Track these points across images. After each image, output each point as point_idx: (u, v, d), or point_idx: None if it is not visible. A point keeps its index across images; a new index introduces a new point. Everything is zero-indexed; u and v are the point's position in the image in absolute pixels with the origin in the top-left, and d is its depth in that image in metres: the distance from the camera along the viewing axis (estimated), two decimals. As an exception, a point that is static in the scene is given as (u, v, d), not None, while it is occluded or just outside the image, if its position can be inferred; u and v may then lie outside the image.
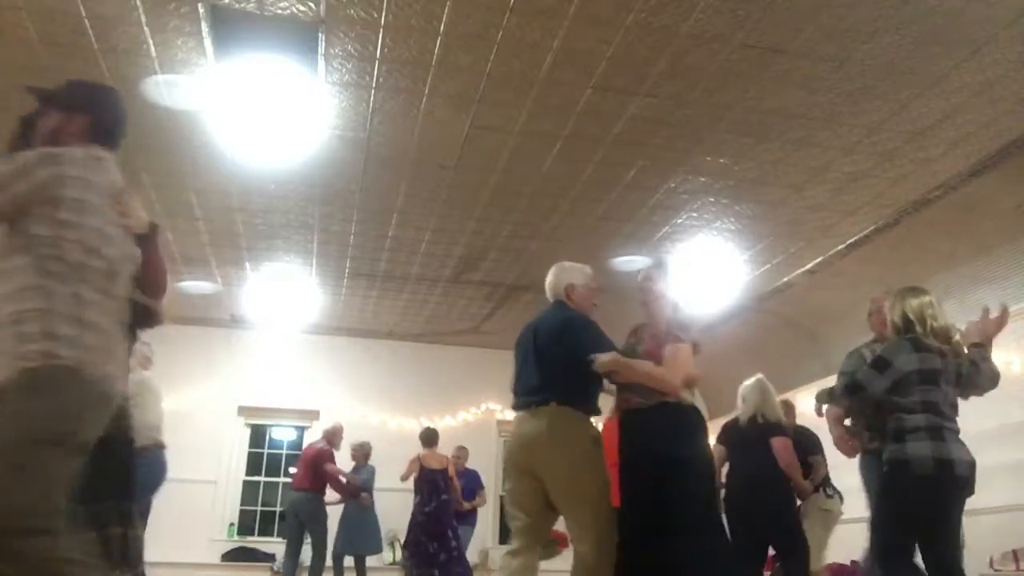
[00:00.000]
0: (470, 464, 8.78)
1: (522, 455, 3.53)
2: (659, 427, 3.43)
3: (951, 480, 3.20)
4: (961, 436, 3.32)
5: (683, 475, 3.32)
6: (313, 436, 9.80)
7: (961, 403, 3.42)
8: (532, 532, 3.53)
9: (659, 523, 3.26)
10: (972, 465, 3.24)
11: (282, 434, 10.16)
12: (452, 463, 8.03)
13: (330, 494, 7.98)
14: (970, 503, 3.34)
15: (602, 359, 3.42)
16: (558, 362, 3.52)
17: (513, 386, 3.75)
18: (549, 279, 3.87)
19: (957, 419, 3.34)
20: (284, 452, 10.06)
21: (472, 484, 8.54)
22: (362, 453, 8.31)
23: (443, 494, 7.65)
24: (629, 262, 7.29)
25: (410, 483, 7.88)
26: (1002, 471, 4.05)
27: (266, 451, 9.91)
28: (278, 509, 9.58)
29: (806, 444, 5.43)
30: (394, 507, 8.41)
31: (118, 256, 2.17)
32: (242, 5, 4.12)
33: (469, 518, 8.42)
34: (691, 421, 3.50)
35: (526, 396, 3.61)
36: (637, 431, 3.51)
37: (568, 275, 3.82)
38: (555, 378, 3.52)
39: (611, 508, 3.43)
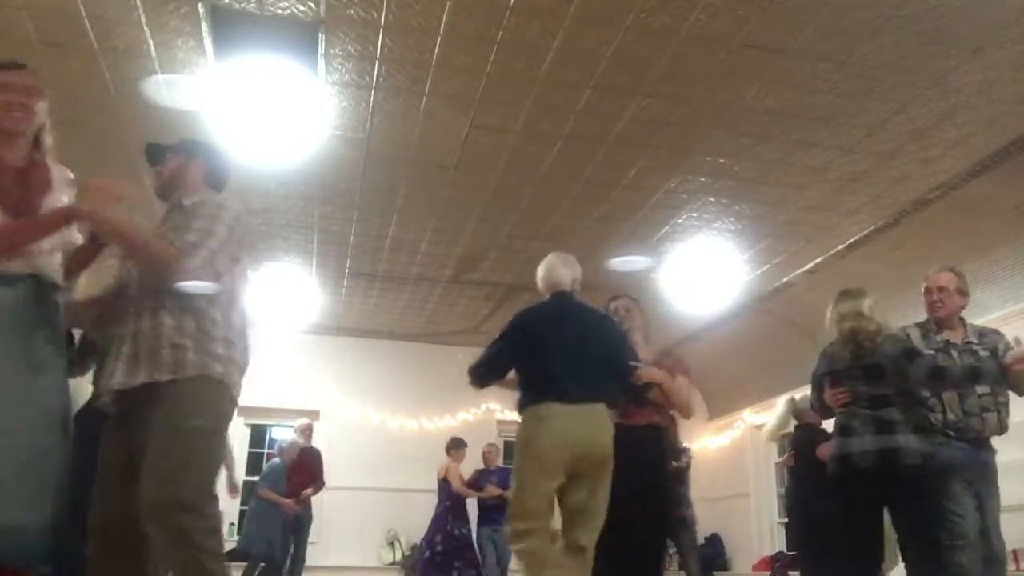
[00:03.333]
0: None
1: (578, 452, 3.31)
2: (650, 449, 3.53)
3: None
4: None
5: (654, 497, 3.42)
6: (313, 436, 9.83)
7: None
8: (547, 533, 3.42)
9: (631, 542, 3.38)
10: None
11: (282, 434, 10.15)
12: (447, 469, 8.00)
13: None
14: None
15: (648, 371, 3.45)
16: (610, 362, 3.46)
17: (559, 376, 3.40)
18: (561, 270, 3.72)
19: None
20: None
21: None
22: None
23: (445, 501, 7.70)
24: (629, 262, 7.30)
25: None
26: (1002, 471, 4.08)
27: (266, 451, 9.90)
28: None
29: None
30: (392, 507, 8.42)
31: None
32: (242, 5, 4.12)
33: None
34: (664, 448, 3.58)
35: (584, 391, 3.37)
36: (633, 448, 3.52)
37: (576, 269, 3.75)
38: (609, 377, 3.46)
39: None
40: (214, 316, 2.45)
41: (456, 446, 8.12)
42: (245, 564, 7.23)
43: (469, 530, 7.77)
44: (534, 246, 7.10)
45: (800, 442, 5.67)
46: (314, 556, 8.84)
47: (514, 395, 3.61)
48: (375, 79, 4.69)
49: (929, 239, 6.35)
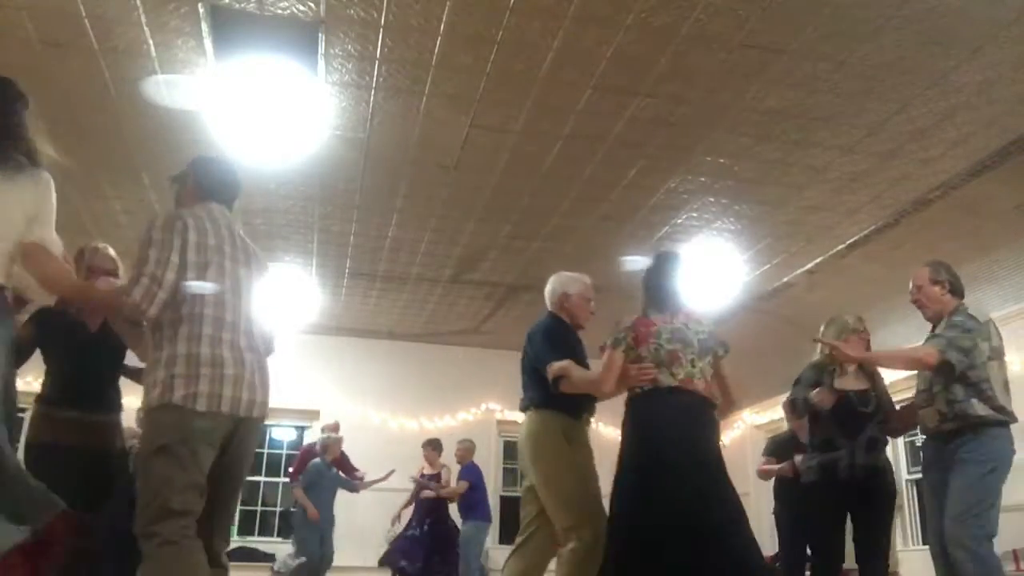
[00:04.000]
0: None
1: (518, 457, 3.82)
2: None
3: None
4: None
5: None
6: (313, 436, 9.82)
7: None
8: (536, 528, 3.69)
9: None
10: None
11: (282, 434, 10.17)
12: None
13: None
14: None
15: (551, 367, 3.53)
16: (529, 369, 3.73)
17: None
18: (546, 288, 4.03)
19: None
20: (284, 452, 10.06)
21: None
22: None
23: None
24: (629, 262, 7.29)
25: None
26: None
27: (266, 451, 9.91)
28: (278, 509, 9.58)
29: None
30: (392, 507, 8.39)
31: None
32: (242, 5, 4.12)
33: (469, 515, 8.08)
34: (630, 418, 3.46)
35: (522, 402, 3.84)
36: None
37: (563, 285, 3.96)
38: (528, 384, 3.74)
39: (593, 508, 3.52)
40: (157, 340, 2.51)
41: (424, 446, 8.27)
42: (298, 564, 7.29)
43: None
44: (534, 246, 7.11)
45: (779, 447, 5.78)
46: (314, 556, 8.85)
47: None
48: (375, 79, 4.69)
49: (929, 239, 6.34)
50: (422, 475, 8.10)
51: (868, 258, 6.76)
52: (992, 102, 4.73)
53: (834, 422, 3.98)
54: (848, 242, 6.64)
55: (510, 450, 10.63)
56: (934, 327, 3.79)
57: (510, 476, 10.58)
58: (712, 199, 6.11)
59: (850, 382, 4.04)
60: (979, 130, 5.02)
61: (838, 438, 3.96)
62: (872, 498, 3.92)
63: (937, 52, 4.31)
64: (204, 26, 4.25)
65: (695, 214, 6.37)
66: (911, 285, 3.86)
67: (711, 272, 7.23)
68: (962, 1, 3.93)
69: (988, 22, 4.07)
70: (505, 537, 10.08)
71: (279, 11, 4.15)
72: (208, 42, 4.37)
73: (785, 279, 7.49)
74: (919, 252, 6.48)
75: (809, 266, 7.17)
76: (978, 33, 4.15)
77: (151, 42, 4.38)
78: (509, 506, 10.25)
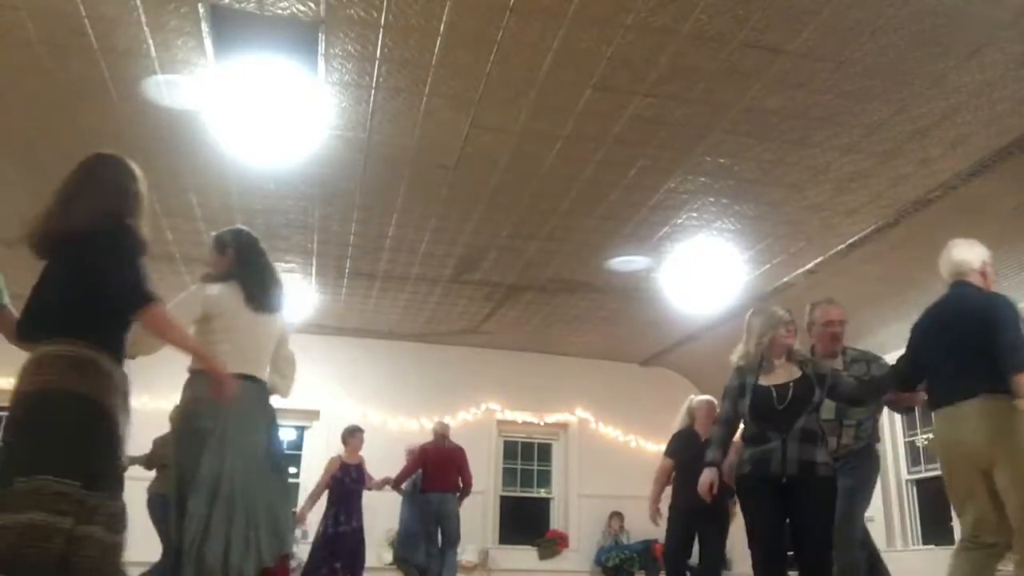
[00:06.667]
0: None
1: (963, 453, 3.39)
2: None
3: None
4: None
5: None
6: (313, 436, 9.83)
7: None
8: (994, 529, 3.34)
9: None
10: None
11: (282, 434, 10.17)
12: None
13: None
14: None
15: None
16: (984, 349, 3.40)
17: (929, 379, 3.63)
18: (953, 257, 3.82)
19: None
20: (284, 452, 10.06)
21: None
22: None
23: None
24: (629, 262, 7.30)
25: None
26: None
27: (266, 451, 9.92)
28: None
29: None
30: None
31: None
32: (242, 5, 4.12)
33: None
34: None
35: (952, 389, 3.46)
36: None
37: (980, 252, 3.73)
38: (984, 367, 3.38)
39: None
40: None
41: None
42: None
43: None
44: (534, 246, 7.11)
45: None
46: (314, 556, 8.84)
47: None
48: (375, 79, 4.69)
49: (929, 239, 6.33)
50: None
51: (868, 258, 6.76)
52: (992, 102, 4.73)
53: (756, 419, 3.85)
54: (848, 242, 6.65)
55: (510, 450, 10.65)
56: (835, 357, 4.27)
57: (510, 476, 10.59)
58: (712, 199, 6.11)
59: (779, 376, 3.85)
60: (979, 130, 5.02)
61: (767, 432, 3.81)
62: (806, 492, 3.74)
63: (937, 52, 4.31)
64: (204, 26, 4.25)
65: (695, 214, 6.37)
66: (837, 319, 4.30)
67: (711, 272, 7.23)
68: (962, 1, 3.93)
69: (987, 23, 4.07)
70: (505, 537, 10.09)
71: (279, 11, 4.15)
72: (208, 42, 4.37)
73: (785, 279, 7.50)
74: (919, 252, 6.48)
75: (809, 266, 7.17)
76: (978, 33, 4.15)
77: (151, 42, 4.38)
78: (509, 506, 10.27)
